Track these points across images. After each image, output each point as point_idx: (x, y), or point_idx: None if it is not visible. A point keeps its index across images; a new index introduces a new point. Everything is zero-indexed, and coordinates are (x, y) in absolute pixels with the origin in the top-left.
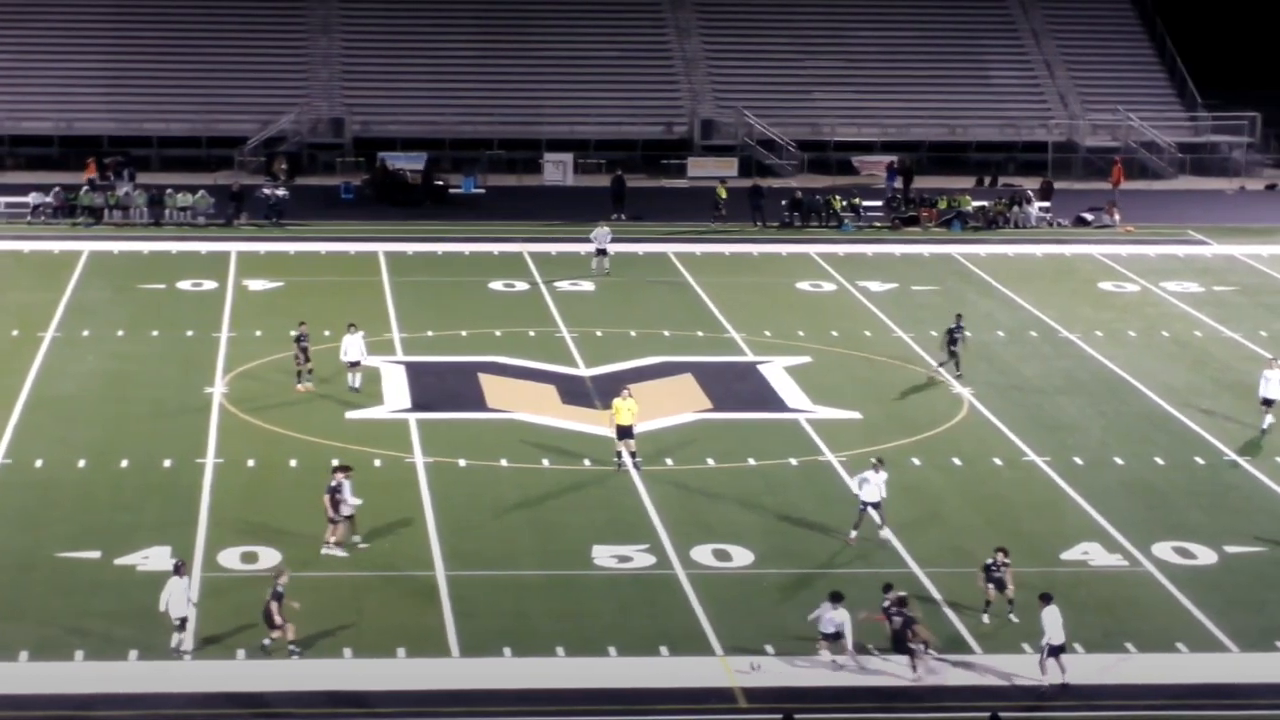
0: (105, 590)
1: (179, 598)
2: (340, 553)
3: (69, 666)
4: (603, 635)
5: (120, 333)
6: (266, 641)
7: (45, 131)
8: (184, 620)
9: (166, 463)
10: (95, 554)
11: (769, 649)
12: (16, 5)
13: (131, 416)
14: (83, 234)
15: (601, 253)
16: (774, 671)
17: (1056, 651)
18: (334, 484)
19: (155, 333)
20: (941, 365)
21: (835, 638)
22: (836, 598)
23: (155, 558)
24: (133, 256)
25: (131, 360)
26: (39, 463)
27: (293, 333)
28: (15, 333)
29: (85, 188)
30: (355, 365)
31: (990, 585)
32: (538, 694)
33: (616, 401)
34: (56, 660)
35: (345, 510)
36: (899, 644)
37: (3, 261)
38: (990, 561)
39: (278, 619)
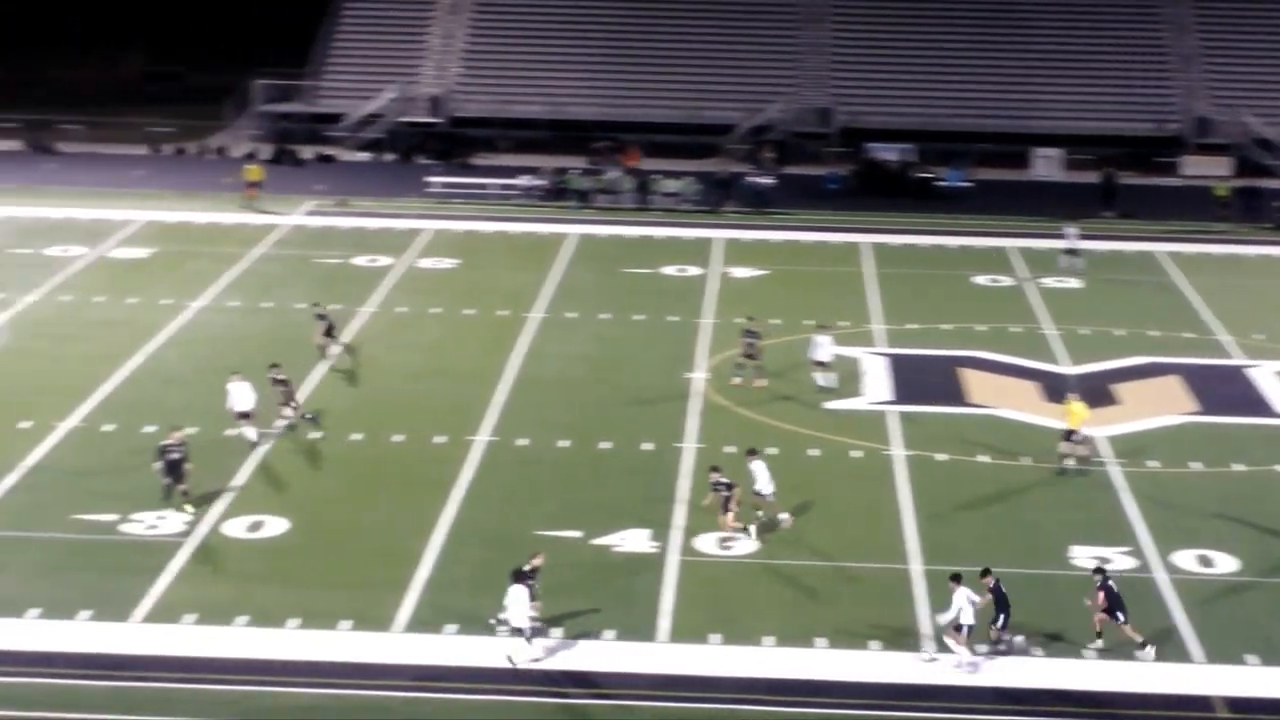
0: (583, 569)
1: (519, 607)
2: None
3: (546, 644)
4: (1080, 637)
5: (604, 316)
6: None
7: (536, 115)
8: (520, 630)
9: (647, 446)
10: (575, 533)
11: (1250, 659)
12: None
13: (613, 399)
14: (570, 217)
15: (1072, 252)
16: (1254, 681)
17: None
18: (716, 480)
19: (638, 317)
20: None
21: None
22: None
23: (632, 540)
24: (618, 240)
25: (614, 343)
26: (524, 442)
27: (742, 323)
28: (503, 313)
29: (617, 173)
30: (822, 365)
31: None
32: (1012, 693)
33: (1070, 404)
34: (535, 636)
35: (764, 491)
36: None
37: (492, 242)
38: None
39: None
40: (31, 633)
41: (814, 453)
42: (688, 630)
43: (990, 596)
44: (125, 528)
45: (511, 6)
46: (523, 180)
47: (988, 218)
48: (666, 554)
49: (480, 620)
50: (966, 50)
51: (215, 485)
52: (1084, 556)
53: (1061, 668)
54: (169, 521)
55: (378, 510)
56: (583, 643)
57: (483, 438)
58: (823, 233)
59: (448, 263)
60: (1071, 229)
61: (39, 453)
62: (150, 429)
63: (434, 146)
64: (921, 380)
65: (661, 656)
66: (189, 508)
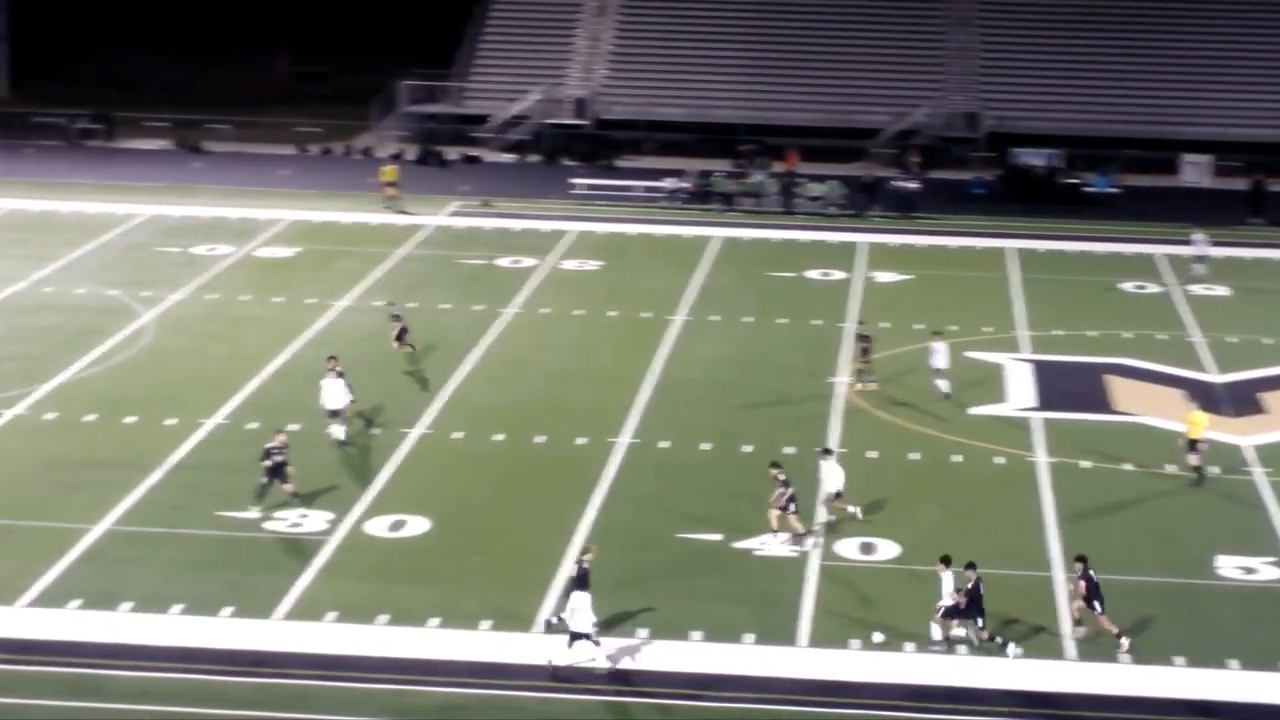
0: (724, 573)
1: (583, 613)
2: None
3: (686, 646)
4: (1224, 647)
5: (747, 319)
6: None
7: (682, 118)
8: (582, 635)
9: (789, 450)
10: (715, 536)
11: None
12: None
13: (756, 403)
14: (715, 219)
15: (1200, 259)
16: None
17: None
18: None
19: (782, 320)
20: None
21: None
22: None
23: (773, 544)
24: (763, 243)
25: (757, 346)
26: (665, 444)
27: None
28: (646, 315)
29: (762, 176)
30: (940, 372)
31: None
32: (1149, 702)
33: (1190, 414)
34: (674, 639)
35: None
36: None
37: (635, 244)
38: None
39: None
40: (175, 628)
41: (957, 459)
42: (828, 635)
43: (967, 590)
44: (269, 525)
45: (658, 9)
46: (667, 183)
47: (1135, 224)
48: (807, 558)
49: (620, 623)
50: (1115, 55)
51: (357, 485)
52: (1229, 566)
53: (1205, 679)
54: (311, 520)
55: (519, 511)
56: (723, 646)
57: (624, 439)
58: (968, 238)
59: (591, 264)
60: (1199, 235)
61: (184, 450)
62: (294, 427)
63: (579, 148)
64: (1066, 387)
65: (802, 661)
66: (301, 509)
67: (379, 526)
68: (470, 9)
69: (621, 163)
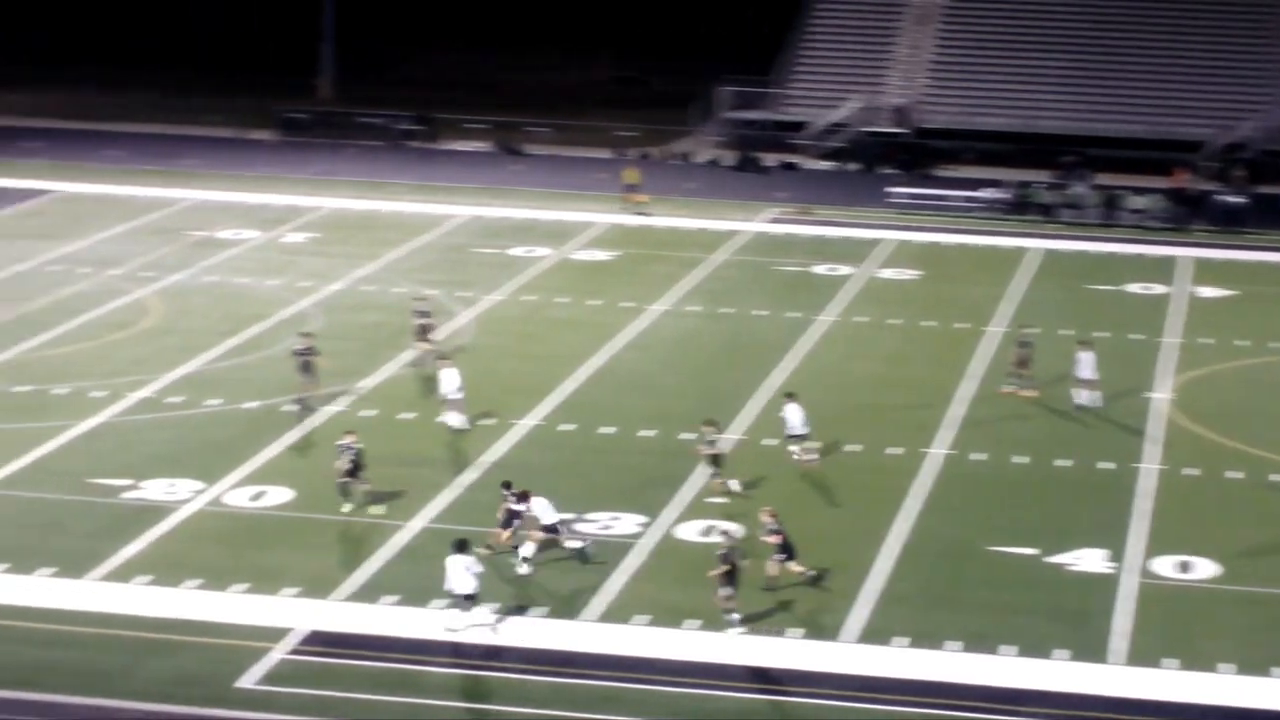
0: (1038, 588)
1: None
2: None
3: (997, 660)
4: None
5: (1064, 331)
6: None
7: (1003, 128)
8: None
9: (1105, 465)
10: (1030, 550)
11: None
12: (983, 3)
13: (1071, 417)
14: (1032, 230)
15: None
16: None
17: None
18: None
19: (1100, 334)
20: None
21: None
22: None
23: (1087, 559)
24: (1081, 256)
25: (1072, 360)
26: (979, 456)
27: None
28: (962, 325)
29: (1082, 188)
30: (1086, 383)
31: None
32: None
33: None
34: (985, 653)
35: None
36: None
37: (952, 254)
38: None
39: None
40: (498, 627)
41: (1276, 478)
42: (1143, 653)
43: None
44: (580, 527)
45: (981, 17)
46: (985, 193)
47: None
48: (1121, 574)
49: (931, 634)
50: None
51: (671, 490)
52: None
53: None
54: (622, 522)
55: (831, 519)
56: (1035, 661)
57: (938, 451)
58: None
59: (908, 273)
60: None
61: (499, 450)
62: (608, 430)
63: (898, 157)
64: None
65: (1114, 679)
66: (376, 507)
67: (690, 531)
68: (791, 16)
69: (940, 172)
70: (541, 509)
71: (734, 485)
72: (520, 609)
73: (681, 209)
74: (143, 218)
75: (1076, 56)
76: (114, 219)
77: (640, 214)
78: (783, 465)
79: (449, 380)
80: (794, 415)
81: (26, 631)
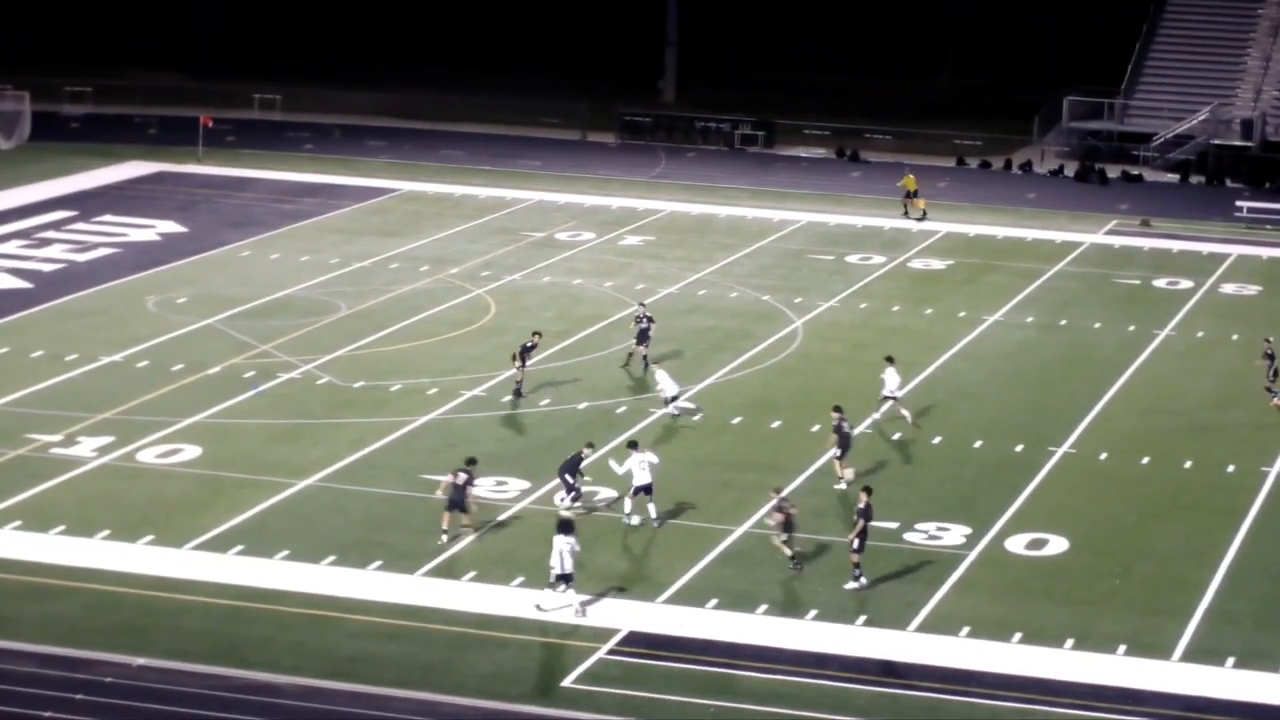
0: None
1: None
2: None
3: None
4: None
5: None
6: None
7: None
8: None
9: None
10: None
11: None
12: None
13: None
14: None
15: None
16: None
17: None
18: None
19: None
20: None
21: None
22: None
23: None
24: None
25: None
26: None
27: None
28: None
29: None
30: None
31: None
32: None
33: None
34: None
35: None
36: None
37: None
38: None
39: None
40: (808, 633)
41: None
42: None
43: None
44: (908, 536)
45: None
46: None
47: None
48: None
49: (1260, 658)
50: None
51: (998, 501)
52: None
53: None
54: (951, 533)
55: (1162, 536)
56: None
57: (1277, 469)
58: None
59: (1251, 289)
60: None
61: (826, 456)
62: (936, 440)
63: (1245, 170)
64: None
65: None
66: (467, 529)
67: (1018, 543)
68: (1140, 26)
69: None
70: (664, 380)
71: (848, 474)
72: (847, 618)
73: (1022, 219)
74: (482, 218)
75: None
76: (453, 218)
77: (919, 220)
78: (1112, 478)
79: (666, 381)
80: (891, 379)
81: (344, 623)
